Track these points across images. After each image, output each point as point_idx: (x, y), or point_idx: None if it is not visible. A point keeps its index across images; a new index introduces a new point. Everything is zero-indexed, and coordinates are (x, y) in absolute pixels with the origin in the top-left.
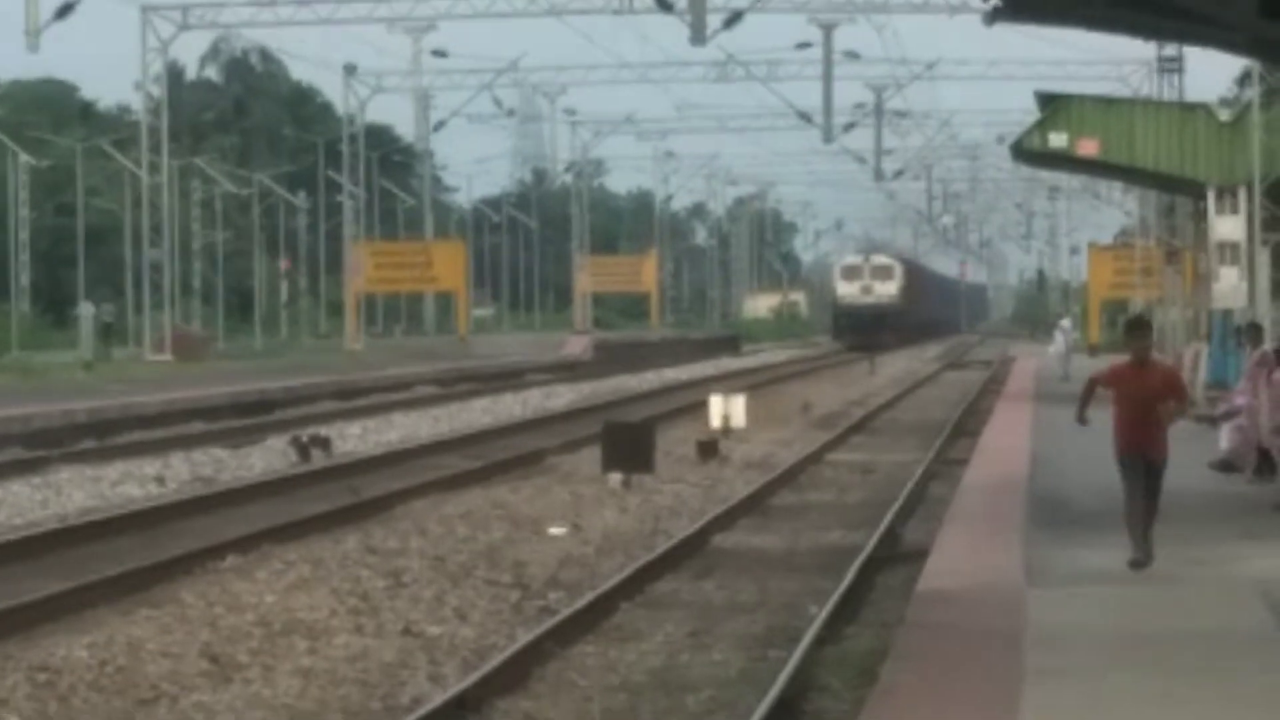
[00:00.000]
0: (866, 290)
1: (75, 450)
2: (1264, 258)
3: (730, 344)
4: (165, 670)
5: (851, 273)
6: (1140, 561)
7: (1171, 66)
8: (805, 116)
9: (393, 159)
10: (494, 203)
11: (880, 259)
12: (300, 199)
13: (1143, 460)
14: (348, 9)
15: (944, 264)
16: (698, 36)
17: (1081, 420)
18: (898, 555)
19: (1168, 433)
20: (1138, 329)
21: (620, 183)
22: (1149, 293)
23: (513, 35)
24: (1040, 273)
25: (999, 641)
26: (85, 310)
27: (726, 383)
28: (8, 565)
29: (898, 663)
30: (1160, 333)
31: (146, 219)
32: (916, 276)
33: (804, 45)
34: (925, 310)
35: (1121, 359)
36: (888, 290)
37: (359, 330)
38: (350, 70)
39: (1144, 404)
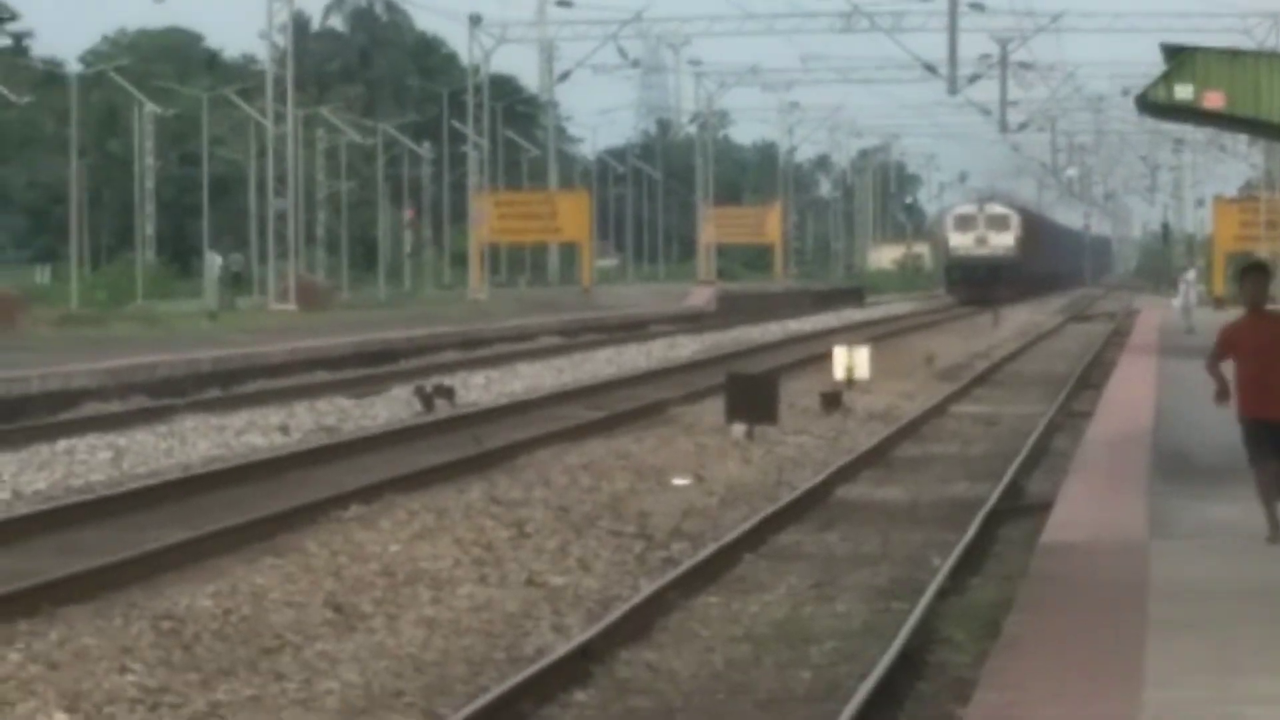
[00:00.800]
0: (981, 241)
1: (200, 399)
2: None
3: (854, 296)
4: (289, 619)
5: (965, 223)
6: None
7: None
8: (930, 68)
9: (517, 110)
10: (618, 154)
11: (996, 208)
12: (425, 149)
13: (1269, 424)
14: None
15: (1068, 217)
16: None
17: (1221, 399)
18: (1021, 507)
19: None
20: (1254, 272)
21: (745, 134)
22: (1274, 245)
23: None
24: (1165, 225)
25: (1123, 594)
26: (210, 260)
27: (850, 334)
28: (133, 514)
29: (1021, 615)
30: None
31: (271, 169)
32: (1035, 227)
33: None
34: (1044, 262)
35: (1238, 314)
36: (1004, 241)
37: (483, 280)
38: (475, 21)
39: (1268, 358)
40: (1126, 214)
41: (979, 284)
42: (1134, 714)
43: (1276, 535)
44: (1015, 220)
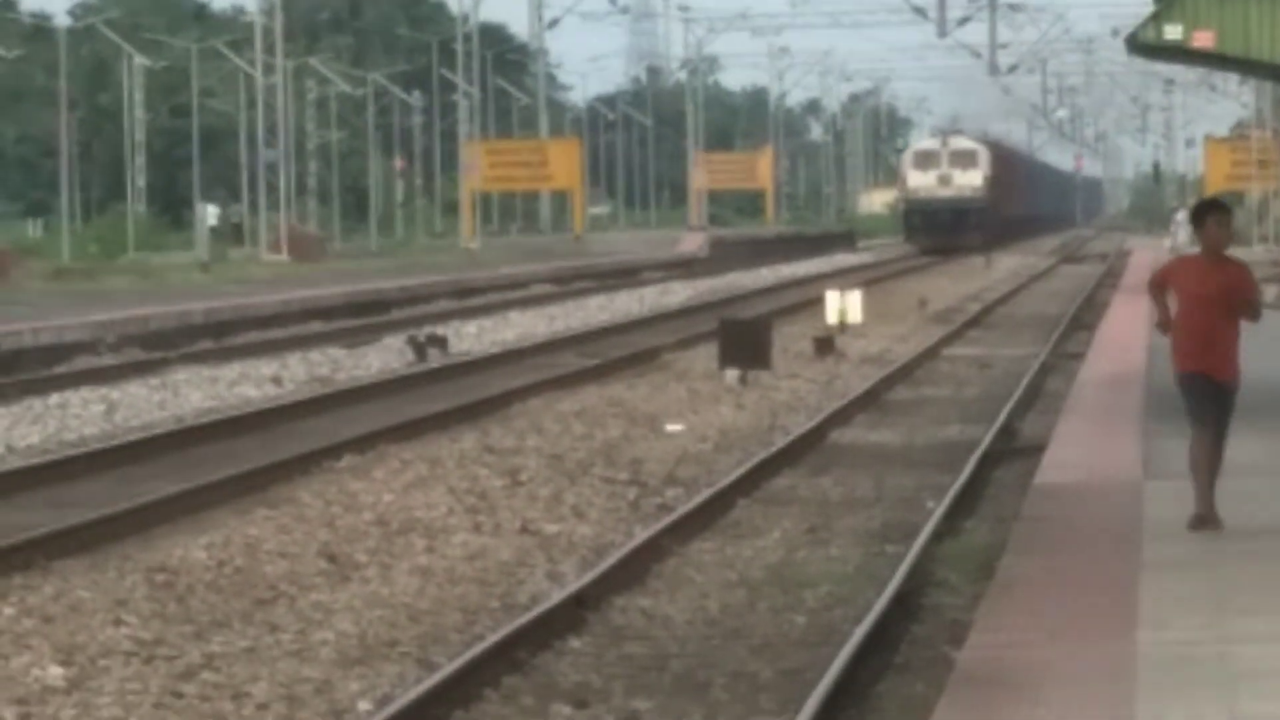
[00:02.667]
0: (944, 180)
1: (192, 351)
2: None
3: (846, 240)
4: (283, 570)
5: (926, 160)
6: (1205, 518)
7: None
8: (919, 11)
9: (507, 58)
10: (609, 101)
11: (961, 142)
12: (415, 98)
13: (1210, 382)
14: None
15: (1060, 158)
16: None
17: (1165, 329)
18: (1015, 450)
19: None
20: (1217, 213)
21: (735, 79)
22: (1266, 184)
23: None
24: (1156, 166)
25: (1117, 535)
26: (201, 211)
27: (842, 278)
28: (126, 466)
29: (1015, 557)
30: (1278, 223)
31: (262, 120)
32: (1009, 164)
33: None
34: (1021, 204)
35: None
36: (970, 180)
37: (474, 229)
38: None
39: (1211, 307)
40: (1118, 155)
41: (941, 230)
42: (1128, 654)
43: (1205, 518)
44: (984, 156)
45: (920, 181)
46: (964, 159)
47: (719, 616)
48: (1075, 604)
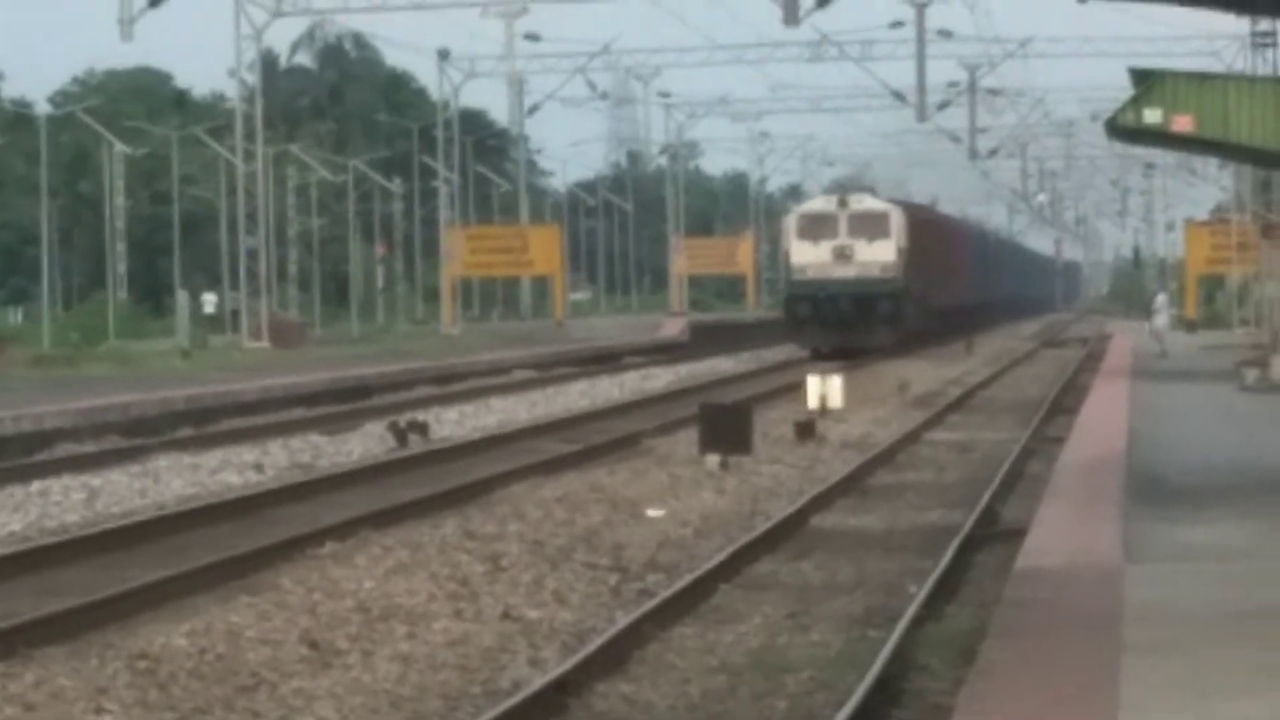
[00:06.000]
0: (842, 255)
1: (174, 438)
2: None
3: None
4: (265, 657)
5: (816, 226)
6: None
7: (1265, 41)
8: (899, 96)
9: (487, 143)
10: (589, 186)
11: (866, 202)
12: (395, 185)
13: None
14: None
15: (1040, 242)
16: (791, 16)
17: None
18: (996, 534)
19: None
20: None
21: (715, 164)
22: (1245, 267)
23: (606, 18)
24: (1136, 250)
25: (1098, 618)
26: (182, 298)
27: (823, 363)
28: (108, 553)
29: (997, 641)
30: (1259, 306)
31: (242, 206)
32: (933, 233)
33: (897, 24)
34: (955, 288)
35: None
36: (878, 255)
37: (455, 315)
38: (444, 55)
39: None
40: (1098, 238)
41: (837, 325)
42: None
43: None
44: (898, 221)
45: (809, 257)
46: (870, 225)
47: (700, 702)
48: (1057, 688)
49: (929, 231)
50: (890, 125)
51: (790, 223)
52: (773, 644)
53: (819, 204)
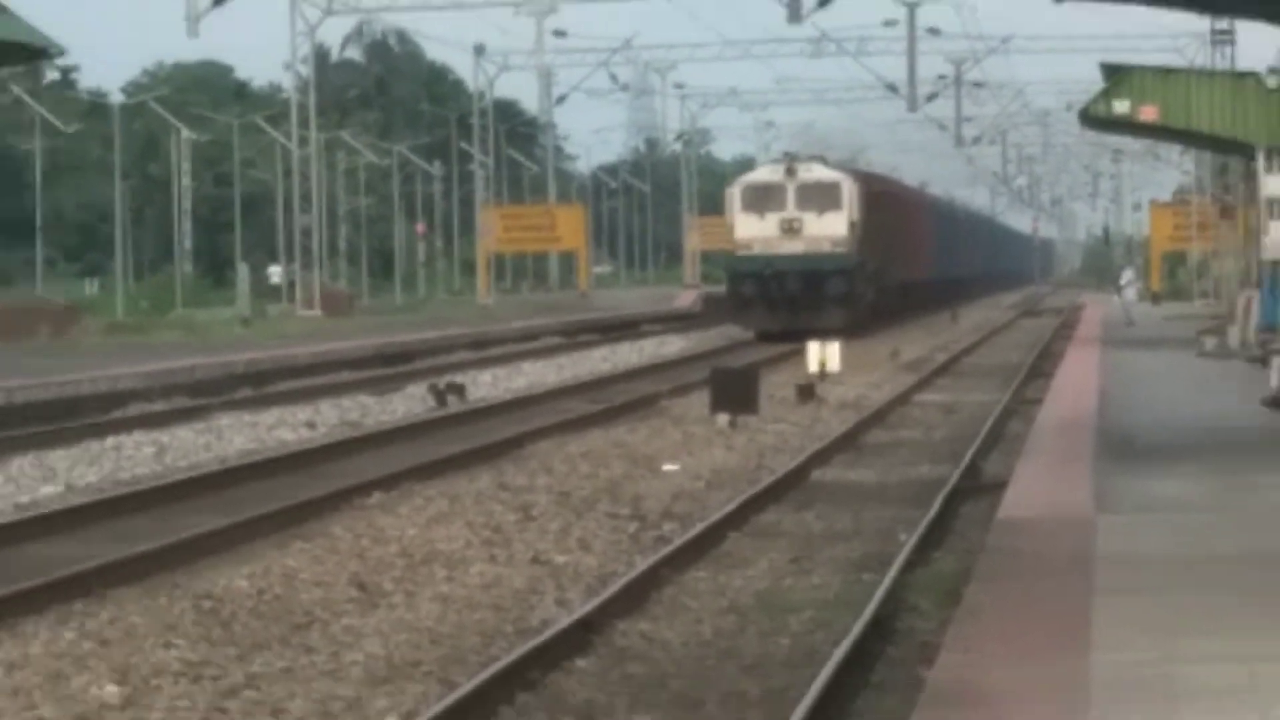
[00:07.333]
0: (790, 229)
1: (234, 398)
2: None
3: None
4: (317, 597)
5: (762, 197)
6: None
7: (1223, 39)
8: (892, 88)
9: (518, 131)
10: (611, 170)
11: (815, 170)
12: (435, 168)
13: None
14: None
15: (1019, 220)
16: (794, 15)
17: None
18: (979, 487)
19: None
20: None
21: (725, 150)
22: (1204, 245)
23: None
24: (1106, 229)
25: (1073, 564)
26: (243, 271)
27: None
28: (175, 503)
29: (980, 584)
30: (1216, 282)
31: (297, 188)
32: (889, 204)
33: (890, 23)
34: (914, 263)
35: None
36: (829, 229)
37: (489, 287)
38: (480, 51)
39: None
40: (1072, 218)
41: (785, 305)
42: (1083, 674)
43: None
44: (850, 191)
45: (754, 231)
46: (820, 196)
47: (712, 639)
48: (1035, 627)
49: (885, 203)
50: (884, 115)
51: (735, 194)
52: (777, 586)
53: (765, 173)
